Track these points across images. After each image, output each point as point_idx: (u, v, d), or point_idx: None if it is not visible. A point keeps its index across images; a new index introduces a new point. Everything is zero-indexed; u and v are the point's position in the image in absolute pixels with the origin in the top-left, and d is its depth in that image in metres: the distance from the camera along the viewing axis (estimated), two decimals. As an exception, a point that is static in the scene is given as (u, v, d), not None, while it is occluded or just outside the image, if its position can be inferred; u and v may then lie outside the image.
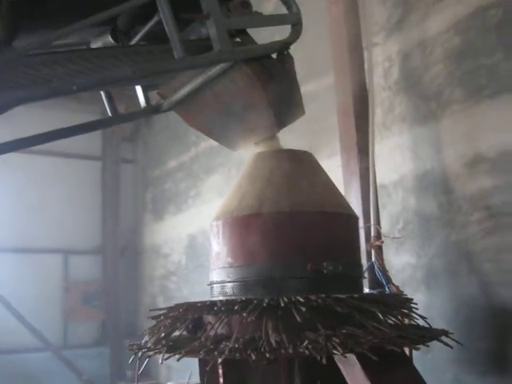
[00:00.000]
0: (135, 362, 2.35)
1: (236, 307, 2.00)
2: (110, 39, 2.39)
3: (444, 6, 3.61)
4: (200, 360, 2.35)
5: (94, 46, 2.49)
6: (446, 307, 3.47)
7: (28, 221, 7.39)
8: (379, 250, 3.35)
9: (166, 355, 2.00)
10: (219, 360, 2.10)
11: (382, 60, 4.05)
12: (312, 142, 4.58)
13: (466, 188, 3.41)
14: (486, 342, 3.22)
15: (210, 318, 2.20)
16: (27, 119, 5.77)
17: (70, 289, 7.67)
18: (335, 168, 3.94)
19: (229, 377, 2.19)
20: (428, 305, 3.57)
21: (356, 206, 3.50)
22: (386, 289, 3.20)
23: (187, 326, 2.25)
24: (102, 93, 2.60)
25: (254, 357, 1.81)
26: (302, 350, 1.83)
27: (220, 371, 2.18)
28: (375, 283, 3.30)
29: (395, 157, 3.88)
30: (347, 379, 2.05)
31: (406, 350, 2.94)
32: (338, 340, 1.85)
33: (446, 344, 2.27)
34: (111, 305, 7.71)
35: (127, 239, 8.18)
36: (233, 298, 2.22)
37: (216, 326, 2.09)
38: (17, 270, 7.15)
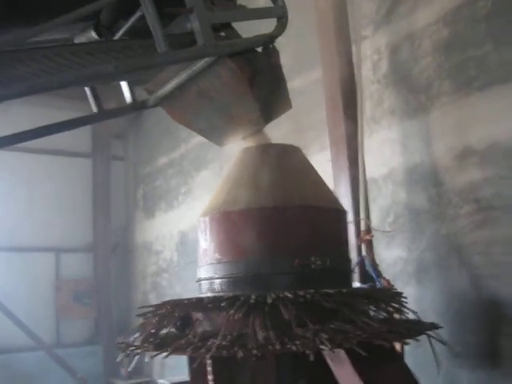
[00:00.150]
0: (124, 359, 2.33)
1: (223, 304, 1.98)
2: (93, 34, 2.36)
3: (432, -3, 3.60)
4: (189, 357, 2.33)
5: (77, 41, 2.44)
6: (437, 301, 3.46)
7: (18, 219, 7.34)
8: (369, 244, 3.35)
9: (153, 353, 1.98)
10: (208, 357, 2.09)
11: (371, 53, 4.03)
12: (301, 136, 4.56)
13: (455, 181, 3.40)
14: (477, 336, 3.22)
15: (198, 315, 2.18)
16: (14, 117, 5.73)
17: (61, 287, 7.63)
18: (325, 162, 3.92)
19: (218, 374, 2.18)
20: (419, 298, 3.57)
21: (345, 200, 3.49)
22: (377, 283, 3.20)
23: (176, 324, 2.23)
24: (86, 89, 2.57)
25: (241, 354, 1.78)
26: (289, 346, 1.81)
27: (209, 368, 2.15)
28: (366, 277, 3.29)
29: (385, 150, 3.87)
30: (336, 375, 2.04)
31: (398, 345, 2.95)
32: (326, 335, 1.84)
33: (434, 338, 2.26)
34: (103, 303, 7.68)
35: (118, 237, 8.14)
36: (221, 294, 2.20)
37: (203, 323, 2.07)
38: (8, 268, 7.11)
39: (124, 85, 2.62)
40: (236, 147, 2.67)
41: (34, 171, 7.55)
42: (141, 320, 2.32)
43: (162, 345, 2.02)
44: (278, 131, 4.24)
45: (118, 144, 8.47)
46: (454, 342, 3.33)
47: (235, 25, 2.41)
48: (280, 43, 4.97)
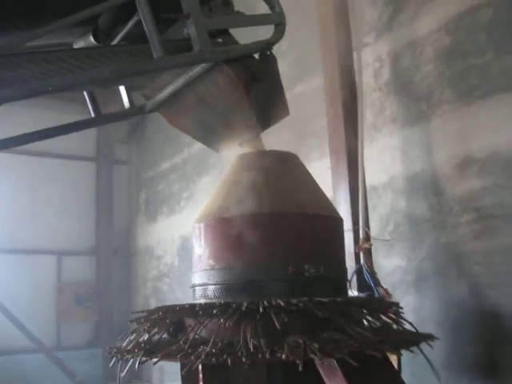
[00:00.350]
0: (116, 365, 2.31)
1: (214, 311, 1.96)
2: (92, 39, 2.36)
3: (434, 5, 3.59)
4: (182, 364, 2.32)
5: (76, 46, 2.45)
6: (436, 310, 3.44)
7: (21, 222, 7.37)
8: (368, 252, 3.32)
9: (143, 359, 1.97)
10: (199, 364, 2.07)
11: (372, 60, 4.02)
12: (302, 143, 4.57)
13: (456, 189, 3.38)
14: (475, 346, 3.19)
15: (191, 321, 2.17)
16: (19, 120, 5.75)
17: (62, 290, 7.65)
18: (325, 170, 3.92)
19: (209, 381, 2.16)
20: (418, 307, 3.55)
21: (344, 208, 3.48)
22: (375, 292, 3.18)
23: (168, 329, 2.22)
24: (85, 93, 2.57)
25: (229, 362, 1.77)
26: (279, 354, 1.80)
27: (200, 375, 2.14)
28: (364, 286, 3.27)
29: (385, 158, 3.85)
30: (328, 385, 2.02)
31: (394, 356, 2.92)
32: (316, 345, 1.82)
33: (430, 346, 2.24)
34: (104, 306, 7.68)
35: (120, 240, 8.15)
36: (213, 301, 2.18)
37: (195, 329, 2.06)
38: (10, 271, 7.15)
39: (122, 89, 2.63)
40: (234, 153, 2.67)
41: (37, 174, 7.59)
42: (134, 325, 2.31)
43: (153, 351, 2.01)
44: (279, 138, 4.24)
45: (122, 148, 8.50)
46: (451, 353, 3.31)
47: (234, 31, 2.42)
48: (282, 50, 4.99)
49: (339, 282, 2.37)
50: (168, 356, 1.94)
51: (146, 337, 2.19)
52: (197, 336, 2.05)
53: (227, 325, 1.93)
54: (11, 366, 6.90)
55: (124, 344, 2.25)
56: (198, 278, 2.37)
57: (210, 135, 2.62)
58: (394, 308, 2.38)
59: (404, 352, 3.08)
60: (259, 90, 2.31)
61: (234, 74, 2.20)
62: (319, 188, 2.50)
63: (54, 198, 7.62)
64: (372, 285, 3.18)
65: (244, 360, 1.78)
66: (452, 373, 3.30)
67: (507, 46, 3.13)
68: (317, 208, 2.32)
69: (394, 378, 2.12)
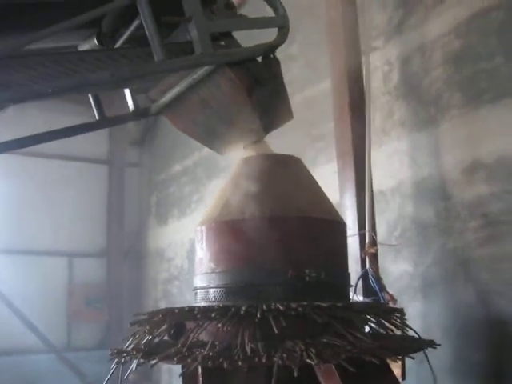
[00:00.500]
0: (118, 367, 2.32)
1: (213, 314, 1.96)
2: (95, 42, 2.38)
3: (444, 8, 3.56)
4: (183, 366, 2.31)
5: (81, 49, 2.48)
6: (443, 316, 3.40)
7: (33, 224, 7.44)
8: (374, 257, 3.29)
9: (141, 361, 1.97)
10: (199, 367, 2.07)
11: (382, 64, 4.00)
12: (310, 147, 4.55)
13: (463, 195, 3.35)
14: (481, 354, 3.14)
15: (191, 324, 2.17)
16: (31, 123, 5.80)
17: (73, 291, 7.70)
18: (332, 174, 3.91)
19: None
20: (425, 313, 3.51)
21: (351, 212, 3.46)
22: (380, 297, 3.15)
23: (169, 332, 2.22)
24: (90, 96, 2.59)
25: (225, 365, 1.77)
26: (276, 359, 1.79)
27: (200, 378, 2.13)
28: (369, 291, 3.25)
29: (393, 162, 3.83)
30: (326, 390, 2.00)
31: (398, 362, 2.90)
32: (314, 350, 1.81)
33: (425, 354, 2.21)
34: (115, 308, 7.71)
35: (131, 243, 8.19)
36: (214, 304, 2.18)
37: (196, 332, 2.06)
38: (22, 272, 7.20)
39: (127, 92, 2.64)
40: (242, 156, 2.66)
41: (50, 176, 7.65)
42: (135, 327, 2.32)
43: (152, 353, 2.01)
44: (287, 141, 4.23)
45: (134, 151, 8.54)
46: (458, 359, 3.27)
47: (239, 34, 2.41)
48: (293, 53, 5.00)
49: (341, 286, 2.35)
50: (166, 358, 1.95)
51: (147, 339, 2.19)
52: (195, 339, 2.05)
53: (225, 328, 1.93)
54: (22, 366, 6.96)
55: (125, 346, 2.26)
56: (199, 280, 2.37)
57: (214, 138, 2.63)
58: (395, 314, 2.35)
59: (408, 358, 3.07)
60: (262, 93, 2.31)
61: (236, 77, 2.20)
62: (322, 192, 2.49)
63: (66, 200, 7.68)
64: (377, 290, 3.15)
65: (240, 364, 1.77)
66: (458, 379, 3.26)
67: (517, 50, 3.10)
68: (319, 212, 2.31)
69: (392, 382, 2.10)
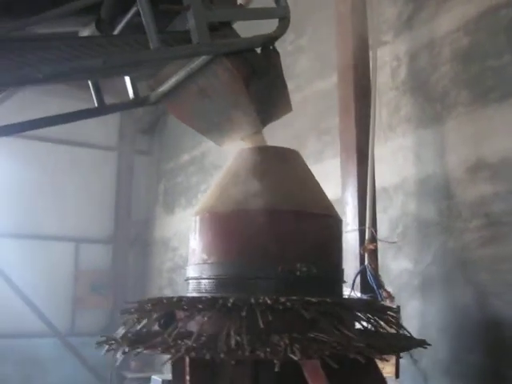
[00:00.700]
0: (108, 354, 2.32)
1: (200, 306, 1.95)
2: (94, 29, 2.36)
3: (454, 4, 3.51)
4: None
5: (81, 35, 2.46)
6: (440, 316, 3.37)
7: (42, 209, 7.48)
8: (373, 253, 3.26)
9: (126, 349, 1.98)
10: (186, 358, 2.07)
11: (390, 59, 3.95)
12: (317, 140, 4.52)
13: (466, 194, 3.31)
14: (477, 355, 3.11)
15: (181, 314, 2.16)
16: (38, 108, 5.83)
17: (79, 277, 7.75)
18: (337, 168, 3.87)
19: (195, 375, 2.15)
20: (423, 312, 3.48)
21: (352, 208, 3.44)
22: (377, 294, 3.12)
23: (159, 321, 2.22)
24: (89, 83, 2.58)
25: (208, 357, 1.76)
26: (259, 352, 1.77)
27: (187, 368, 2.13)
28: (367, 288, 3.22)
29: (398, 159, 3.79)
30: (311, 386, 1.99)
31: (393, 360, 2.87)
32: (298, 345, 1.79)
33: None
34: (119, 295, 7.74)
35: (138, 230, 8.22)
36: (204, 295, 2.17)
37: (185, 322, 2.05)
38: (29, 256, 7.25)
39: (127, 80, 2.63)
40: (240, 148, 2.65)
41: (60, 162, 7.68)
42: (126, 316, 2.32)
43: (137, 341, 2.01)
44: (293, 133, 4.21)
45: (144, 139, 8.55)
46: (453, 359, 3.24)
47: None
48: (302, 45, 4.94)
49: (333, 282, 2.33)
50: (151, 347, 1.95)
51: (135, 328, 2.20)
52: (184, 329, 2.05)
53: (213, 320, 1.92)
54: (26, 348, 7.05)
55: (115, 334, 2.26)
56: (191, 271, 2.37)
57: (212, 128, 2.61)
58: (388, 312, 2.33)
59: (405, 357, 3.05)
60: (260, 84, 2.28)
61: (233, 66, 2.17)
62: (319, 186, 2.46)
63: (74, 185, 7.71)
64: (374, 287, 3.12)
65: (223, 356, 1.76)
66: (453, 380, 3.23)
67: (526, 49, 3.04)
68: (313, 206, 2.29)
69: (378, 379, 2.08)
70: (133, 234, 8.20)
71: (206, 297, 2.02)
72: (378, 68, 3.62)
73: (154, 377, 4.65)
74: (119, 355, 2.00)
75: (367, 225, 3.31)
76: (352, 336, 1.91)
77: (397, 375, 2.92)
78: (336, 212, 2.44)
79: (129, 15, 2.17)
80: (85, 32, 2.43)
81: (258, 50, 2.33)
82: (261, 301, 1.94)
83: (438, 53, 3.59)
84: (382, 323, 2.25)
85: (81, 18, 2.37)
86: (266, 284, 2.15)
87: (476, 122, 3.30)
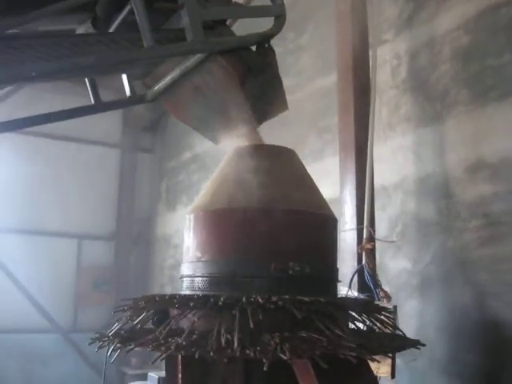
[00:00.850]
0: (103, 351, 2.33)
1: (192, 304, 1.95)
2: (90, 26, 2.36)
3: (454, 3, 3.49)
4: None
5: (77, 32, 2.46)
6: (439, 316, 3.35)
7: (45, 205, 7.50)
8: (370, 253, 3.25)
9: (118, 346, 1.98)
10: (179, 355, 2.07)
11: (390, 58, 3.94)
12: (317, 138, 4.51)
13: (465, 193, 3.29)
14: (475, 355, 3.10)
15: (174, 312, 2.16)
16: (40, 104, 5.85)
17: (81, 273, 7.78)
18: (337, 167, 3.86)
19: (187, 372, 2.15)
20: (421, 312, 3.47)
21: (350, 207, 3.43)
22: (374, 293, 3.11)
23: (152, 318, 2.22)
24: (86, 80, 2.58)
25: (197, 355, 1.76)
26: (248, 351, 1.77)
27: (179, 366, 2.14)
28: (365, 287, 3.21)
29: (397, 158, 3.78)
30: (301, 386, 1.98)
31: (388, 360, 2.86)
32: (288, 345, 1.79)
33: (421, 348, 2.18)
34: (121, 292, 7.76)
35: (140, 228, 8.23)
36: (196, 293, 2.17)
37: (177, 320, 2.05)
38: (32, 252, 7.28)
39: (124, 78, 2.63)
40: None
41: (63, 158, 7.70)
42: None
43: (129, 339, 2.02)
44: (291, 130, 4.20)
45: (147, 137, 8.56)
46: (450, 359, 3.23)
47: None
48: (303, 43, 4.93)
49: (326, 281, 2.32)
50: (142, 345, 1.95)
51: (128, 325, 2.20)
52: (176, 327, 2.05)
53: (204, 318, 1.92)
54: (28, 344, 7.08)
55: (108, 331, 2.27)
56: (185, 269, 2.36)
57: (207, 127, 2.60)
58: (382, 312, 2.32)
59: (402, 357, 3.04)
60: (255, 82, 2.27)
61: (228, 64, 2.17)
62: (314, 185, 2.45)
63: (77, 182, 7.73)
64: (371, 286, 3.11)
65: (212, 354, 1.76)
66: (451, 380, 3.22)
67: (526, 48, 3.02)
68: (308, 205, 2.28)
69: (369, 380, 2.07)
70: (135, 232, 8.22)
71: (197, 295, 2.02)
72: (378, 66, 3.61)
73: (150, 374, 4.65)
74: (111, 352, 1.99)
75: (365, 224, 3.30)
76: (343, 336, 1.90)
77: (393, 375, 2.90)
78: (331, 211, 2.43)
79: (124, 13, 2.16)
80: (80, 30, 2.43)
81: (254, 48, 2.33)
82: (252, 299, 1.94)
83: (438, 51, 3.57)
84: (376, 323, 2.24)
85: (77, 15, 2.37)
86: (259, 282, 2.14)
87: (476, 122, 3.28)
